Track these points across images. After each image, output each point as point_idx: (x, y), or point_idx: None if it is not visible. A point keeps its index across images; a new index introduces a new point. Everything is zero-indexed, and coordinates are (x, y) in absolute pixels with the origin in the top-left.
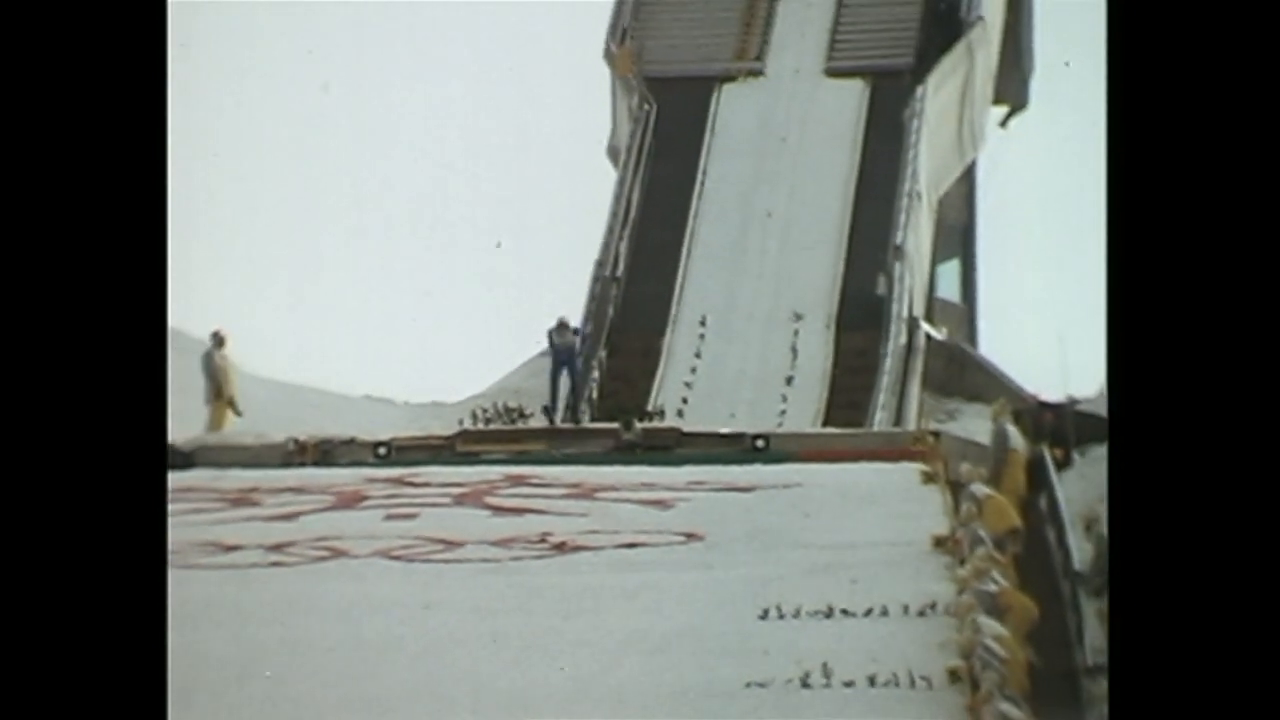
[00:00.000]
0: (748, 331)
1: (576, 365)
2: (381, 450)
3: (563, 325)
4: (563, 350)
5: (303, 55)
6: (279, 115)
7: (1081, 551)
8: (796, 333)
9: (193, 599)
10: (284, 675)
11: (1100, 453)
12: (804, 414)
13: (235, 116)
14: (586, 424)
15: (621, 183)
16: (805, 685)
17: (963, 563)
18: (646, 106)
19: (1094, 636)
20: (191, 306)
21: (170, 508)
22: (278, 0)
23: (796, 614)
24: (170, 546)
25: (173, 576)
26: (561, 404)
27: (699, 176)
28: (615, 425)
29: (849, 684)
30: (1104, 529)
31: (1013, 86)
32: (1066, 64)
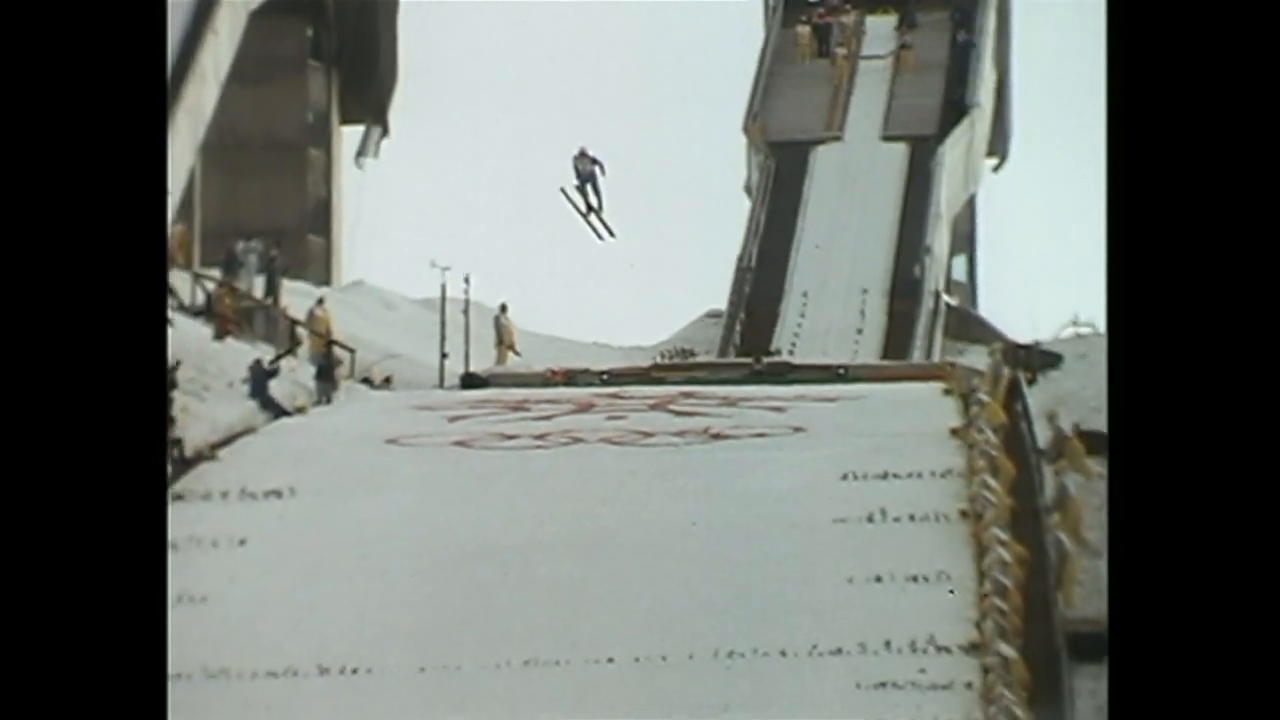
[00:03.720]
0: (833, 300)
1: (598, 183)
2: (604, 376)
3: (583, 154)
4: (584, 174)
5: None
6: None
7: (1043, 435)
8: (864, 301)
9: (488, 471)
10: (540, 516)
11: (1055, 375)
12: (869, 352)
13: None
14: (732, 359)
15: (754, 207)
16: (870, 520)
17: (970, 443)
18: (769, 160)
19: (1049, 487)
20: (486, 283)
21: (471, 412)
22: None
23: (865, 476)
24: (467, 438)
25: (473, 457)
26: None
27: (802, 204)
28: (750, 360)
29: (897, 519)
30: (1060, 421)
31: (1000, 144)
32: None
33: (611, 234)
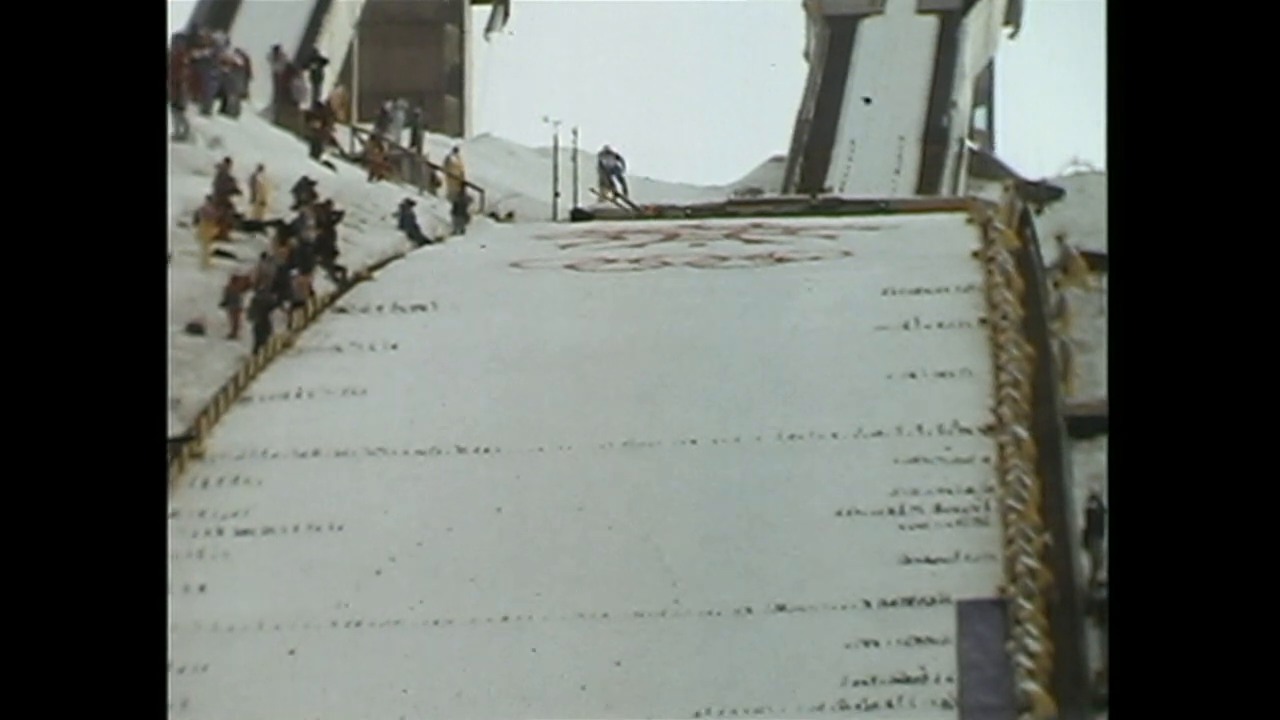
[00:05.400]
0: (875, 146)
1: (621, 175)
2: (688, 210)
3: (608, 152)
4: (608, 168)
5: None
6: None
7: (1049, 254)
8: (901, 147)
9: (593, 289)
10: (635, 325)
11: (1058, 206)
12: (905, 188)
13: None
14: (792, 195)
15: (811, 70)
16: (905, 328)
17: (988, 262)
18: (824, 31)
19: (1051, 297)
20: (591, 134)
21: (578, 240)
22: None
23: (901, 291)
24: (576, 262)
25: (581, 277)
26: (615, 194)
27: (850, 67)
28: (807, 196)
29: (928, 326)
30: (1068, 241)
31: (1014, 16)
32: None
33: (636, 209)
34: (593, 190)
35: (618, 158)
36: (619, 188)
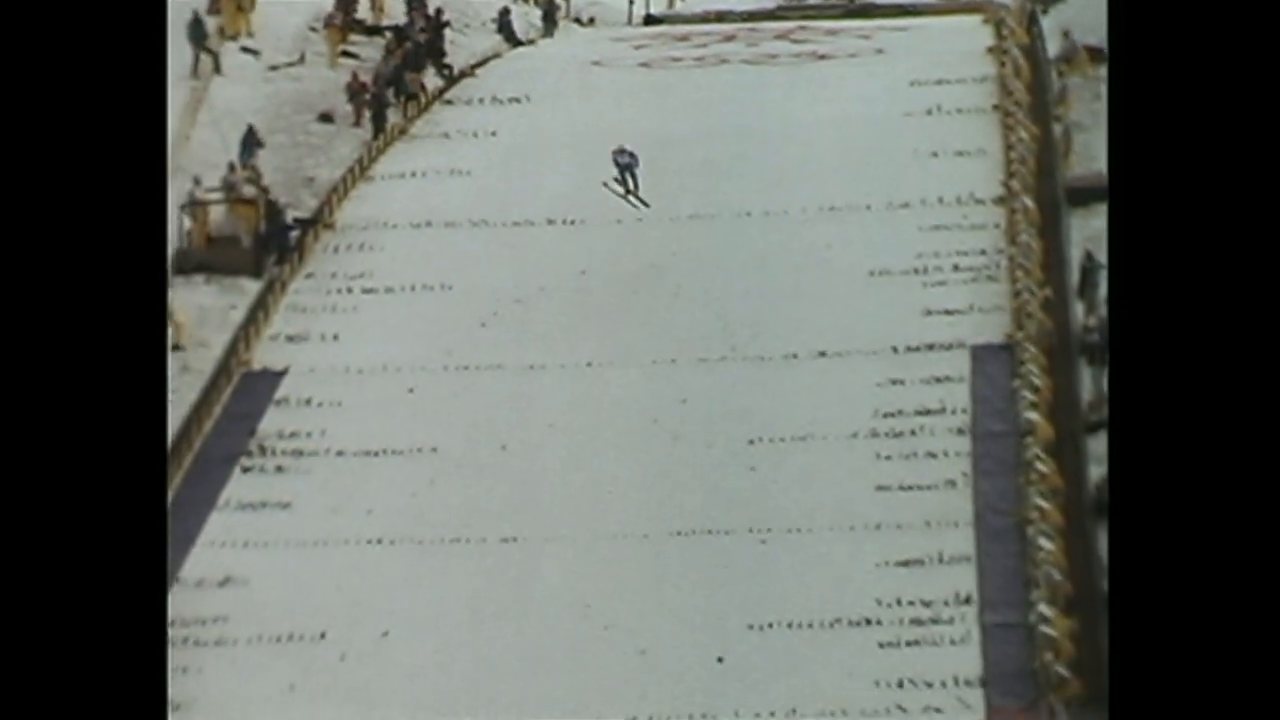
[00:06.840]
0: None
1: (635, 172)
2: (743, 15)
3: (622, 150)
4: (622, 165)
5: None
6: None
7: (1053, 48)
8: None
9: (662, 83)
10: (699, 111)
11: (1061, 6)
12: None
13: None
14: (833, 1)
15: None
16: (929, 114)
17: (1000, 54)
18: None
19: (1055, 86)
20: None
21: (650, 42)
22: None
23: (926, 83)
24: (648, 60)
25: (652, 74)
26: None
27: None
28: (845, 1)
29: (948, 112)
30: (1073, 33)
31: None
32: None
33: (646, 205)
34: (605, 185)
35: (631, 155)
36: (631, 184)
